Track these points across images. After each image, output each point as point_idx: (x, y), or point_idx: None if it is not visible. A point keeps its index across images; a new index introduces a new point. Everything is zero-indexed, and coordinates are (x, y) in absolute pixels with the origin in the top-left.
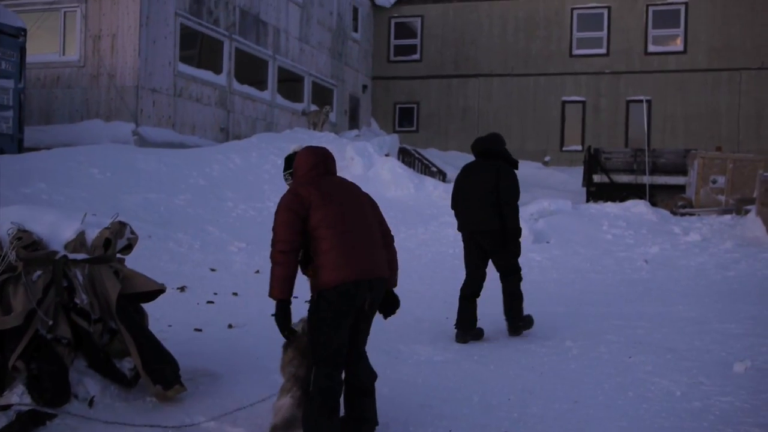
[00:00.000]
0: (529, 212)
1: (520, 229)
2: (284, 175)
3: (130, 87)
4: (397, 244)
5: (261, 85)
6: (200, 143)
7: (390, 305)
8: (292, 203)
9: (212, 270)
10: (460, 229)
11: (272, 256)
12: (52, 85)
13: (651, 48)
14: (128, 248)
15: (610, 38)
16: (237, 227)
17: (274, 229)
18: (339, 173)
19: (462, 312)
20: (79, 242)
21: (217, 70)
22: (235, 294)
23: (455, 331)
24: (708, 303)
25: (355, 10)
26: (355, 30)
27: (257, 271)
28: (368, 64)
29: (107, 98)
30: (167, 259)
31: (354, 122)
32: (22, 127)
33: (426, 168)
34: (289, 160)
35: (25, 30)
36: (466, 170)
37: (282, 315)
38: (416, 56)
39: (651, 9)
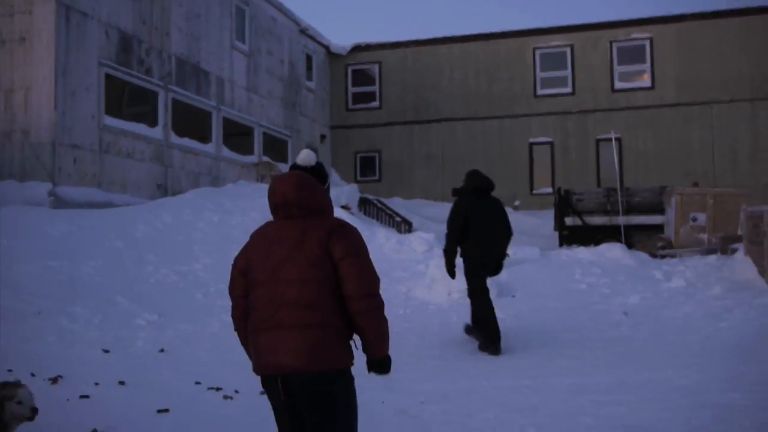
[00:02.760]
0: None
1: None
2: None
3: (45, 144)
4: None
5: (206, 138)
6: (131, 202)
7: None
8: (238, 257)
9: (105, 351)
10: (472, 254)
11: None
12: None
13: (618, 85)
14: None
15: (575, 77)
16: (151, 295)
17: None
18: None
19: (490, 327)
20: None
21: (152, 123)
22: (121, 383)
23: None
24: (702, 365)
25: (309, 59)
26: (310, 79)
27: (161, 350)
28: (326, 113)
29: (21, 157)
30: (53, 340)
31: None
32: None
33: (390, 218)
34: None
35: None
36: (476, 203)
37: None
38: (375, 103)
39: (615, 45)
